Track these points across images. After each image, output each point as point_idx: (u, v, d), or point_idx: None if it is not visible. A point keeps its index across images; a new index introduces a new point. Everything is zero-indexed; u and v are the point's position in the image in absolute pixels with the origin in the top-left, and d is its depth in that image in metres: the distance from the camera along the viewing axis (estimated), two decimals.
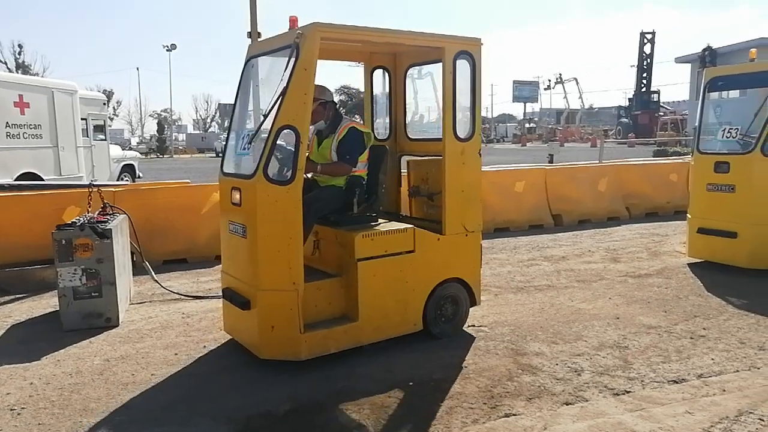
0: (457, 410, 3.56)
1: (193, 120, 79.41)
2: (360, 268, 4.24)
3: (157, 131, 53.57)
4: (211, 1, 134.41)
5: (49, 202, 7.16)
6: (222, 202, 4.46)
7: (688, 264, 7.14)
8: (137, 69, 72.96)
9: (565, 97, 71.67)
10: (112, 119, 61.40)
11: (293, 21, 4.09)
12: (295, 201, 3.91)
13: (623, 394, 3.75)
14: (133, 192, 7.93)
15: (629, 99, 55.24)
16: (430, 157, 5.13)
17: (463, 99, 4.66)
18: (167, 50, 52.78)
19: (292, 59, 3.88)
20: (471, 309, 4.94)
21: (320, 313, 4.26)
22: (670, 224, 10.00)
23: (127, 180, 16.31)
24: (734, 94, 8.94)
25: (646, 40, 49.64)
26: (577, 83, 69.08)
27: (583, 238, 9.01)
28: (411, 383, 3.92)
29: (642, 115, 49.46)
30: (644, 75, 50.68)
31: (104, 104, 16.51)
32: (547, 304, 5.67)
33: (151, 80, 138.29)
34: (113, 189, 7.38)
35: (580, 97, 69.67)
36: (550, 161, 18.43)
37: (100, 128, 15.36)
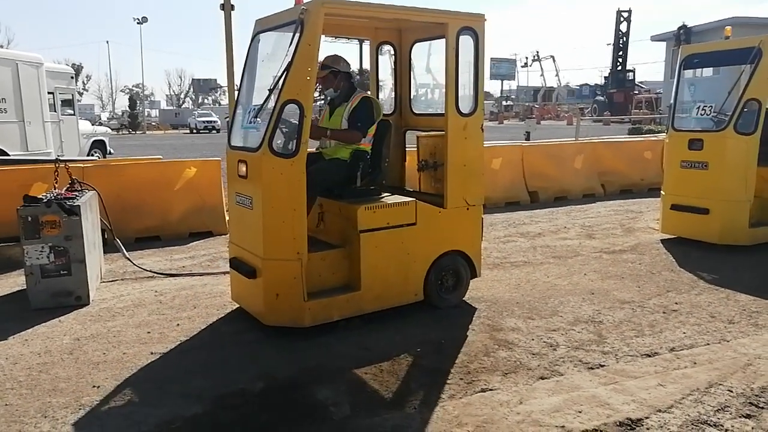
0: (433, 385, 3.56)
1: (167, 95, 77.91)
2: (362, 239, 4.35)
3: (129, 107, 52.48)
4: None
5: (15, 178, 6.93)
6: (229, 174, 4.55)
7: (661, 240, 7.23)
8: (107, 42, 71.84)
9: (542, 75, 71.81)
10: (81, 94, 59.83)
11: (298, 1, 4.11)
12: (299, 173, 4.02)
13: (597, 368, 3.79)
14: (103, 168, 7.74)
15: (605, 77, 55.59)
16: (439, 132, 5.11)
17: (466, 74, 4.69)
18: (138, 23, 51.54)
19: (297, 35, 3.94)
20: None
21: (324, 283, 4.39)
22: (644, 201, 10.13)
23: (97, 156, 15.92)
24: (708, 72, 9.02)
25: (622, 19, 49.86)
26: (554, 61, 69.32)
27: (559, 215, 9.07)
28: (387, 360, 3.91)
29: (617, 93, 49.87)
30: (620, 53, 50.98)
31: (72, 78, 16.03)
32: (523, 280, 5.70)
33: (122, 54, 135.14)
34: (82, 165, 7.17)
35: (557, 75, 69.90)
36: (527, 138, 18.47)
37: (68, 103, 14.93)
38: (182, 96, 73.89)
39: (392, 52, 5.57)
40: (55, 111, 13.90)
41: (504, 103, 71.98)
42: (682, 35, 36.57)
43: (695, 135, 6.85)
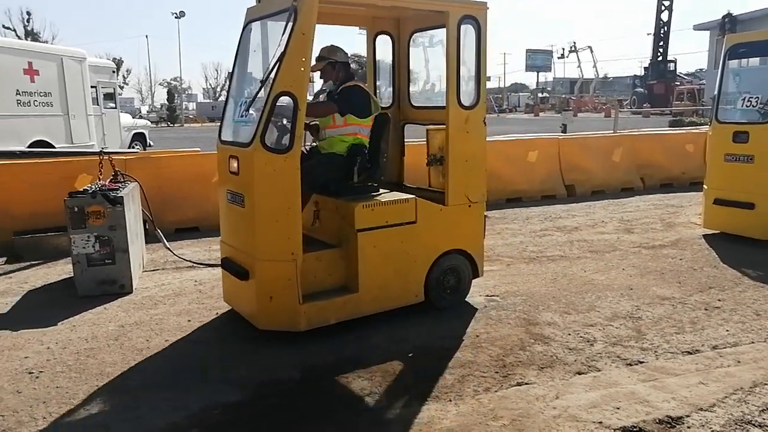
0: (468, 378, 3.56)
1: (203, 89, 79.06)
2: (360, 238, 4.17)
3: (167, 100, 53.43)
4: None
5: (61, 169, 7.17)
6: (220, 170, 4.38)
7: (703, 235, 7.06)
8: (146, 37, 73.10)
9: (579, 66, 70.35)
10: (122, 87, 61.18)
11: None
12: (293, 170, 3.83)
13: (636, 364, 3.74)
14: (145, 160, 7.91)
15: (645, 68, 54.20)
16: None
17: (468, 65, 4.52)
18: (176, 17, 52.32)
19: (290, 23, 3.76)
20: (480, 279, 4.92)
21: (320, 284, 4.21)
22: (686, 195, 9.87)
23: (138, 148, 16.31)
24: (754, 62, 8.72)
25: (663, 8, 48.42)
26: (592, 52, 67.77)
27: (597, 209, 8.92)
28: (423, 352, 3.93)
29: (657, 84, 48.57)
30: (661, 43, 49.59)
31: (113, 72, 16.43)
32: (559, 274, 5.64)
33: (161, 48, 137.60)
34: (124, 157, 7.37)
35: (594, 66, 68.45)
36: (564, 131, 18.18)
37: (110, 96, 15.31)
38: (218, 89, 74.86)
39: (391, 42, 5.33)
40: (98, 104, 14.27)
41: (540, 95, 70.92)
42: (727, 24, 35.34)
43: (740, 127, 6.65)
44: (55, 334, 4.33)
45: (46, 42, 43.30)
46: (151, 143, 17.79)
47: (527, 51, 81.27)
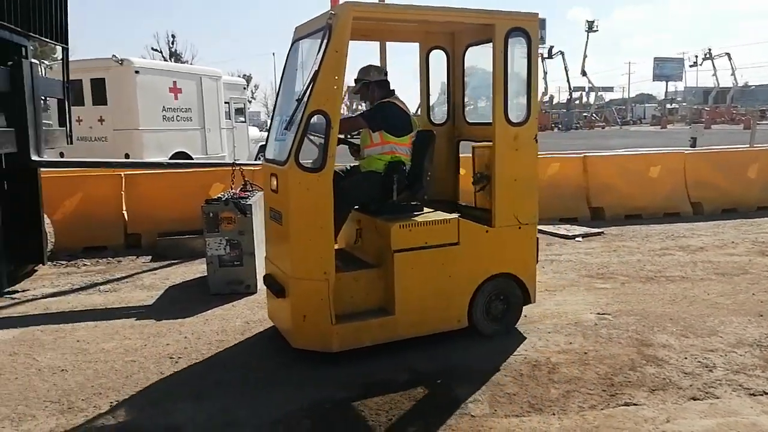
0: (574, 394, 3.55)
1: (345, 105, 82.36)
2: (396, 259, 4.04)
3: None
4: None
5: (199, 179, 7.94)
6: (265, 187, 4.44)
7: None
8: (273, 54, 77.09)
9: (715, 74, 65.18)
10: (250, 102, 65.42)
11: (334, 0, 3.92)
12: (325, 189, 3.80)
13: (761, 395, 3.51)
14: None
15: None
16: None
17: (518, 80, 4.32)
18: None
19: (324, 41, 3.74)
20: (592, 297, 4.83)
21: (356, 305, 4.13)
22: None
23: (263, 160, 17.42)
24: None
25: None
26: (730, 59, 62.54)
27: (726, 229, 8.33)
28: (528, 366, 3.95)
29: None
30: None
31: (244, 89, 17.75)
32: (679, 295, 5.38)
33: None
34: (253, 168, 7.99)
35: (733, 74, 63.04)
36: (693, 145, 17.05)
37: (240, 111, 16.55)
38: (359, 104, 77.87)
39: (445, 57, 5.19)
40: (230, 119, 15.50)
41: (668, 105, 66.62)
42: None
43: None
44: (191, 325, 4.84)
45: (187, 62, 47.41)
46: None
47: (655, 59, 76.90)
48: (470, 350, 4.20)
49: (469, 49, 5.03)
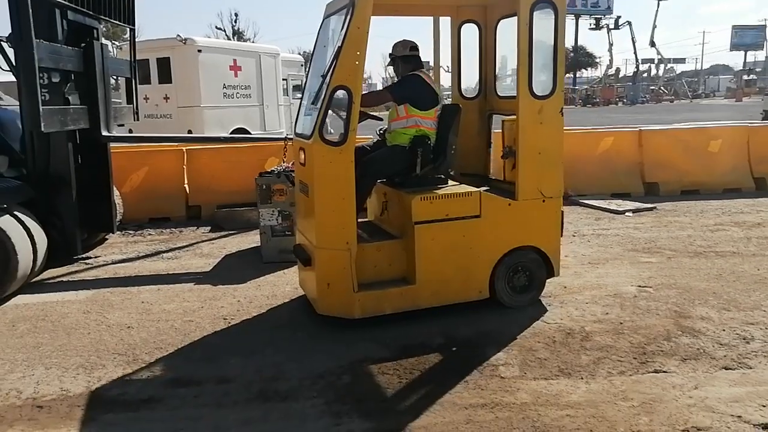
0: (604, 361, 3.64)
1: (382, 78, 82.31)
2: (417, 231, 4.14)
3: None
4: None
5: (255, 153, 8.28)
6: (295, 161, 4.58)
7: None
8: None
9: None
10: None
11: None
12: (347, 162, 3.92)
13: None
14: None
15: None
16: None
17: (541, 53, 4.28)
18: None
19: (348, 18, 3.82)
20: (634, 270, 4.83)
21: (379, 274, 4.26)
22: None
23: None
24: None
25: None
26: None
27: None
28: (561, 333, 4.06)
29: None
30: None
31: (302, 66, 18.04)
32: (726, 270, 5.29)
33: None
34: None
35: None
36: (765, 118, 16.21)
37: (298, 88, 16.83)
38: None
39: (478, 30, 5.21)
40: (287, 95, 15.87)
41: (745, 77, 62.79)
42: None
43: None
44: (244, 290, 5.18)
45: (249, 39, 48.26)
46: (332, 131, 19.23)
47: (734, 27, 72.36)
48: (505, 318, 4.33)
49: (501, 21, 5.04)
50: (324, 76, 3.97)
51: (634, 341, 3.89)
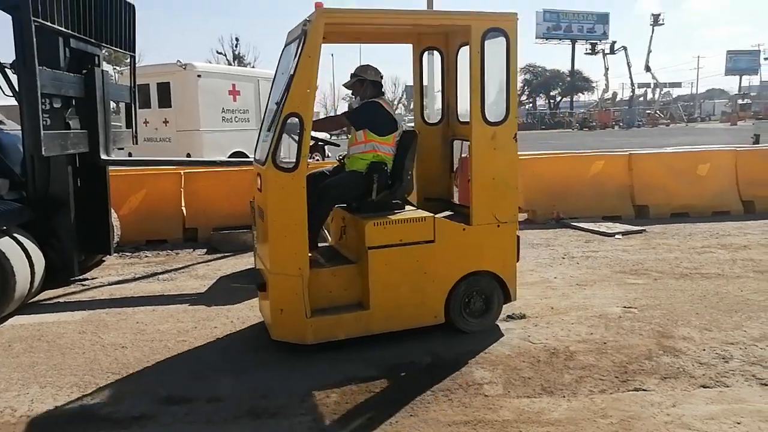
0: (586, 379, 3.73)
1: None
2: (371, 256, 4.16)
3: None
4: None
5: (250, 176, 8.35)
6: (254, 186, 4.61)
7: None
8: (331, 56, 78.17)
9: None
10: None
11: (318, 5, 4.00)
12: (299, 188, 3.96)
13: None
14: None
15: None
16: None
17: (496, 80, 4.34)
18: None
19: (300, 47, 3.92)
20: (620, 291, 4.94)
21: (334, 299, 4.28)
22: None
23: (317, 159, 18.00)
24: None
25: None
26: None
27: None
28: (546, 352, 4.15)
29: None
30: None
31: None
32: (710, 292, 5.40)
33: (344, 66, 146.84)
34: None
35: None
36: (756, 142, 16.45)
37: None
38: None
39: (440, 57, 5.27)
40: None
41: (740, 101, 63.51)
42: None
43: None
44: (237, 311, 5.27)
45: (249, 64, 48.86)
46: (329, 154, 19.49)
47: (728, 52, 73.47)
48: (492, 338, 4.43)
49: (462, 48, 5.05)
50: (278, 104, 4.06)
51: (617, 360, 3.99)
